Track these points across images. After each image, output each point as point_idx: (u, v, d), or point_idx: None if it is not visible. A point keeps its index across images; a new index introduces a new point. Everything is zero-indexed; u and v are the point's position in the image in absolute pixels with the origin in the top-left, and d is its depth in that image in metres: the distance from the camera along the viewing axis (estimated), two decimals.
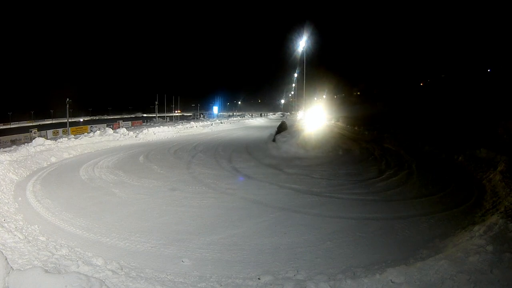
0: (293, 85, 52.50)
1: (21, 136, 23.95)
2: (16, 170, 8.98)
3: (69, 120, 30.01)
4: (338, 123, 30.55)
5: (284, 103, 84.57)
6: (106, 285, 2.70)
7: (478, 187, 7.04)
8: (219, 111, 61.91)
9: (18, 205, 6.18)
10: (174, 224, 5.23)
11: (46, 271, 2.62)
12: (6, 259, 2.54)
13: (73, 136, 18.25)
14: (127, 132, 19.68)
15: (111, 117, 51.70)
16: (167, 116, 55.64)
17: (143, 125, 35.03)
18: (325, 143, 13.52)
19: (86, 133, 19.99)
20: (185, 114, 64.07)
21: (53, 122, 43.26)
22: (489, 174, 7.69)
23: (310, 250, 4.23)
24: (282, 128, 19.07)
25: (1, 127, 35.86)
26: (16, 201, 6.42)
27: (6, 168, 8.75)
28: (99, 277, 3.03)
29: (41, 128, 28.16)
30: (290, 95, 68.22)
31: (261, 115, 60.81)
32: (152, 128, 22.50)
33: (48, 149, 12.72)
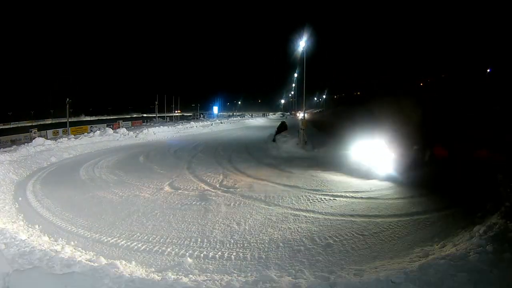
0: (293, 85, 52.46)
1: (21, 136, 23.93)
2: (16, 170, 8.99)
3: (70, 120, 30.01)
4: None
5: (284, 103, 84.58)
6: (106, 285, 2.70)
7: (478, 187, 7.02)
8: (219, 111, 61.80)
9: (18, 205, 6.18)
10: (174, 223, 5.24)
11: (46, 271, 2.62)
12: (6, 259, 2.54)
13: (73, 136, 18.26)
14: (127, 132, 19.71)
15: (111, 117, 51.63)
16: (167, 116, 55.56)
17: (143, 125, 35.00)
18: (325, 143, 13.53)
19: (86, 133, 20.00)
20: (185, 114, 63.92)
21: (53, 122, 43.15)
22: (490, 174, 7.67)
23: (310, 250, 4.24)
24: (282, 128, 19.08)
25: (1, 127, 35.82)
26: (17, 201, 6.43)
27: (6, 168, 8.76)
28: (99, 277, 3.03)
29: (41, 128, 28.12)
30: (290, 95, 68.17)
31: (263, 115, 60.70)
32: (152, 128, 22.53)
33: (48, 149, 12.75)
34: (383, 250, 4.15)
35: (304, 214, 5.60)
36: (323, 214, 5.55)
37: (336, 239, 4.52)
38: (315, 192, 6.89)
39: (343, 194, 6.74)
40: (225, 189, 7.32)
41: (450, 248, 3.78)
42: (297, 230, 4.91)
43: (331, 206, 5.99)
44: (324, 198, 6.44)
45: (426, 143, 8.88)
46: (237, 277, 3.54)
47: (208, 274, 3.59)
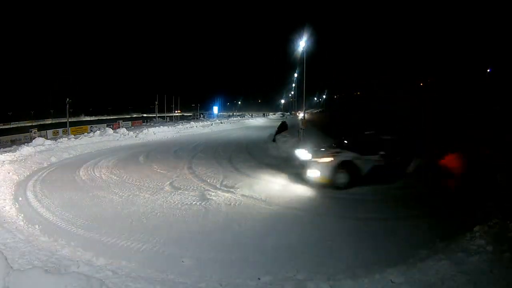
0: (293, 85, 52.44)
1: (21, 136, 23.95)
2: (17, 170, 8.99)
3: (70, 120, 30.03)
4: None
5: (284, 103, 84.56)
6: (106, 285, 2.69)
7: (479, 187, 7.01)
8: (219, 111, 61.76)
9: (18, 205, 6.18)
10: (174, 223, 5.24)
11: (46, 271, 2.62)
12: (6, 259, 2.54)
13: (73, 136, 18.28)
14: (127, 132, 19.72)
15: (111, 117, 51.60)
16: (167, 116, 55.60)
17: (143, 125, 35.03)
18: (325, 143, 13.51)
19: (86, 133, 20.03)
20: (185, 114, 63.89)
21: (53, 122, 43.12)
22: (491, 174, 7.66)
23: (310, 250, 4.23)
24: (282, 128, 19.09)
25: (1, 127, 35.80)
26: (17, 201, 6.42)
27: (7, 168, 8.76)
28: (99, 277, 3.02)
29: (41, 128, 28.15)
30: (290, 95, 68.15)
31: (263, 115, 60.65)
32: (152, 128, 22.53)
33: (48, 149, 12.75)
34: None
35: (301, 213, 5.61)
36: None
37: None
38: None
39: None
40: (225, 189, 7.31)
41: (450, 248, 3.78)
42: (298, 231, 4.92)
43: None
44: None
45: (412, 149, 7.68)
46: (236, 277, 3.54)
47: (208, 274, 3.59)
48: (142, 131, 20.31)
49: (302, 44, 16.64)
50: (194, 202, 6.33)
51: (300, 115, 32.45)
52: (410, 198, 6.47)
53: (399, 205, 6.04)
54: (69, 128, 27.79)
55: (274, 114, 68.89)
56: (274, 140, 16.27)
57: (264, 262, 3.91)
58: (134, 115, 60.37)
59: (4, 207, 5.90)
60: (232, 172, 9.29)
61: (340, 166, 7.11)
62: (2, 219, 5.05)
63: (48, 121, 44.27)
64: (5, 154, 10.54)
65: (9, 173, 8.46)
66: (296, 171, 8.47)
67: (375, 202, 6.30)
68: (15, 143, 18.06)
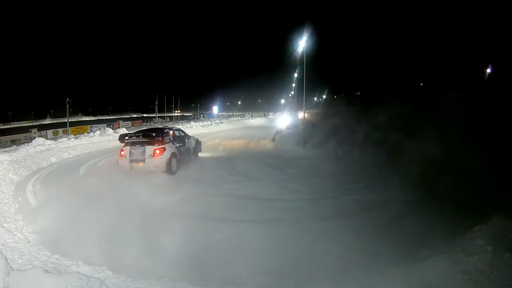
0: (293, 85, 52.37)
1: (21, 136, 23.97)
2: (16, 170, 8.97)
3: (70, 120, 30.06)
4: None
5: (284, 103, 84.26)
6: (106, 285, 2.69)
7: (479, 186, 7.00)
8: (219, 111, 61.64)
9: (18, 205, 6.17)
10: (174, 223, 5.23)
11: (46, 271, 2.62)
12: (6, 259, 2.53)
13: (73, 136, 18.27)
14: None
15: (111, 117, 51.58)
16: (167, 116, 55.65)
17: (143, 125, 35.06)
18: (324, 143, 13.52)
19: (86, 133, 20.02)
20: (185, 114, 63.88)
21: (53, 122, 43.13)
22: (490, 173, 7.65)
23: (310, 250, 4.23)
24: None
25: (1, 127, 35.81)
26: (16, 201, 6.41)
27: (6, 168, 8.74)
28: (99, 277, 3.02)
29: (41, 128, 28.19)
30: (290, 95, 68.05)
31: (264, 115, 60.49)
32: None
33: (48, 149, 12.73)
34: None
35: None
36: None
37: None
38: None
39: None
40: (224, 189, 7.30)
41: (450, 248, 3.77)
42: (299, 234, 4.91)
43: None
44: None
45: None
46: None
47: (206, 279, 3.59)
48: None
49: (302, 44, 16.63)
50: (194, 203, 6.34)
51: (300, 115, 32.40)
52: (410, 197, 6.42)
53: (399, 205, 5.98)
54: (69, 128, 27.82)
55: (274, 114, 68.73)
56: (274, 140, 16.29)
57: (264, 262, 3.90)
58: (134, 115, 60.30)
59: (4, 207, 5.89)
60: (232, 172, 9.29)
61: None
62: (1, 219, 5.04)
63: (48, 121, 44.25)
64: (5, 154, 10.51)
65: (8, 173, 8.45)
66: None
67: (375, 201, 6.25)
68: (15, 143, 18.08)
